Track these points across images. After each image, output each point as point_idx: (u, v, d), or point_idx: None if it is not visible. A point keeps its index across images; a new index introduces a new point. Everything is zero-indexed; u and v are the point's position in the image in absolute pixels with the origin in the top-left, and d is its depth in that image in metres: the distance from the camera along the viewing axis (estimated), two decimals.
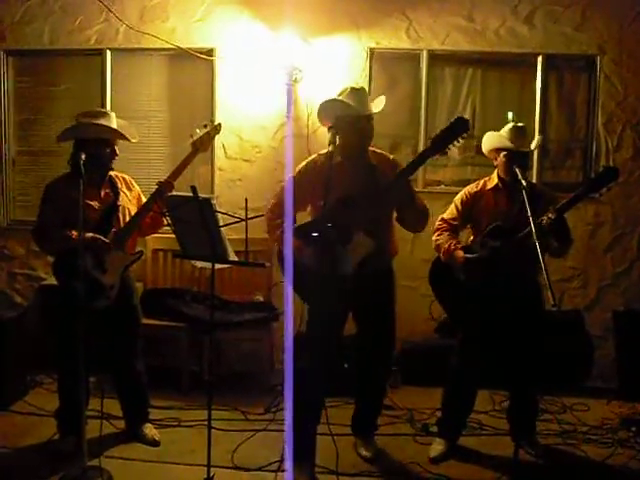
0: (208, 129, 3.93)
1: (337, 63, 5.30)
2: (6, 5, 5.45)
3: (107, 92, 5.44)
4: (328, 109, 3.60)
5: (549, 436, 4.20)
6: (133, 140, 3.93)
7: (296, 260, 3.45)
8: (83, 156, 3.53)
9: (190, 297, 5.09)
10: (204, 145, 3.95)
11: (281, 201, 3.64)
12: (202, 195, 3.07)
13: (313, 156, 3.77)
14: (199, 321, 4.84)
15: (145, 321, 4.68)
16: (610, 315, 5.20)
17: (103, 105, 5.37)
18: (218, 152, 5.44)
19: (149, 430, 4.09)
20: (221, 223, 3.14)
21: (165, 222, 3.85)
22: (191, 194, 3.02)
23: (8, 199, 5.61)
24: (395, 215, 3.74)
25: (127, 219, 3.88)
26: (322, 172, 3.43)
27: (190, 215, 3.10)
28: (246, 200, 3.14)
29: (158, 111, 5.53)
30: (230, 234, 3.20)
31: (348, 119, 3.54)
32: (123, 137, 3.87)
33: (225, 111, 5.37)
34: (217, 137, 5.27)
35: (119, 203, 3.87)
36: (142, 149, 5.33)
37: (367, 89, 5.15)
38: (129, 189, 4.01)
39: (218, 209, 3.12)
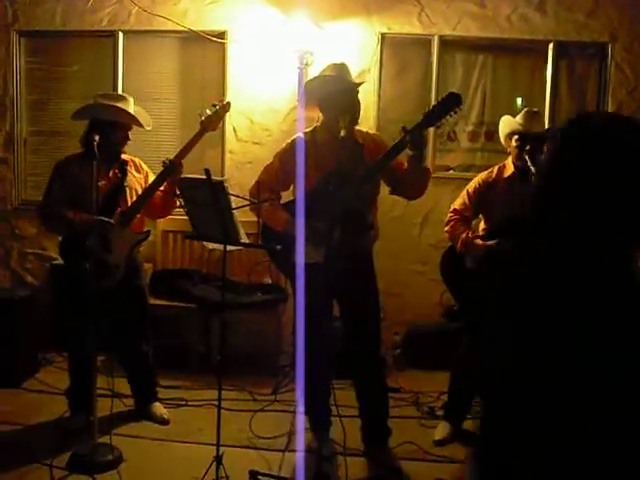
0: (217, 108, 3.90)
1: (348, 48, 5.29)
2: None
3: (119, 74, 5.45)
4: (315, 88, 3.50)
5: None
6: (147, 128, 3.96)
7: (285, 235, 3.44)
8: (97, 137, 3.56)
9: (199, 278, 5.14)
10: (212, 124, 3.90)
11: (267, 180, 3.60)
12: (215, 178, 3.08)
13: (298, 134, 3.64)
14: (207, 302, 4.88)
15: (154, 302, 4.76)
16: None
17: (115, 87, 5.40)
18: (229, 135, 5.45)
19: (158, 409, 4.15)
20: (233, 206, 3.15)
21: (177, 204, 3.82)
22: (204, 176, 3.05)
23: (19, 179, 5.64)
24: (389, 190, 3.60)
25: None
26: (307, 150, 3.44)
27: (203, 197, 3.11)
28: (257, 183, 3.16)
29: (169, 93, 5.54)
30: (241, 217, 3.21)
31: (336, 94, 3.42)
32: (138, 124, 3.91)
33: (236, 94, 5.36)
34: (227, 120, 5.36)
35: (125, 184, 3.88)
36: (153, 131, 5.28)
37: (378, 74, 5.20)
38: (138, 171, 4.04)
39: (230, 192, 3.13)
